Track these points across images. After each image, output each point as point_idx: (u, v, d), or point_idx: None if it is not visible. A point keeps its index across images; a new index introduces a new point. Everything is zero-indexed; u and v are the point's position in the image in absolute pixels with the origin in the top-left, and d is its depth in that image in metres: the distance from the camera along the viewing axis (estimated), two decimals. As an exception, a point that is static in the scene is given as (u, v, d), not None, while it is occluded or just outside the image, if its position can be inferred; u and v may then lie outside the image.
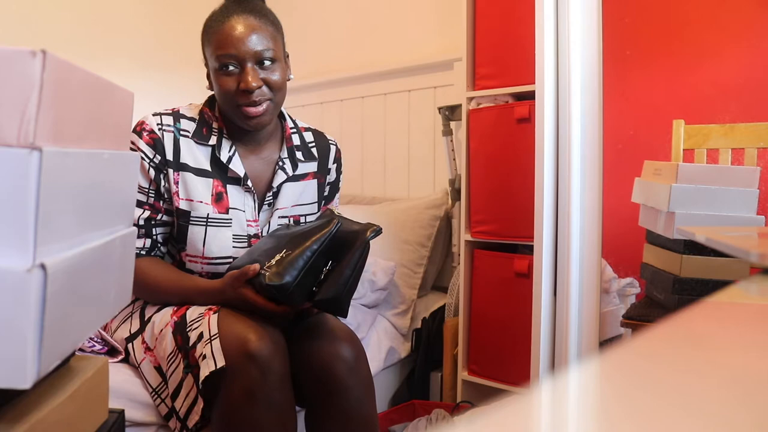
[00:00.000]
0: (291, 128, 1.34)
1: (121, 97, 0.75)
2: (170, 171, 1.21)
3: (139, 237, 1.21)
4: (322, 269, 1.13)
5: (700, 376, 0.32)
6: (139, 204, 1.21)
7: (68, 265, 0.57)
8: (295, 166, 1.31)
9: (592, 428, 0.26)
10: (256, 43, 1.17)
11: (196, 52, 1.29)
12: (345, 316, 1.15)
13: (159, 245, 1.26)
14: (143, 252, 1.23)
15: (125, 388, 1.15)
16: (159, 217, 1.23)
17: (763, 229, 1.22)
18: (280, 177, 1.29)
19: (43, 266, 0.52)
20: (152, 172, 1.20)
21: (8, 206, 0.52)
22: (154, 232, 1.23)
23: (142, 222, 1.21)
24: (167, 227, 1.25)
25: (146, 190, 1.21)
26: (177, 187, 1.21)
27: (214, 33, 1.18)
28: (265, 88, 1.18)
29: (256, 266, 1.09)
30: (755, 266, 0.76)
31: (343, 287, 1.10)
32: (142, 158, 1.19)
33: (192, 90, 1.40)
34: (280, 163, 1.29)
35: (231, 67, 1.16)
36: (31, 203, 0.52)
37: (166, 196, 1.22)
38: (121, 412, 0.85)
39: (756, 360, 0.35)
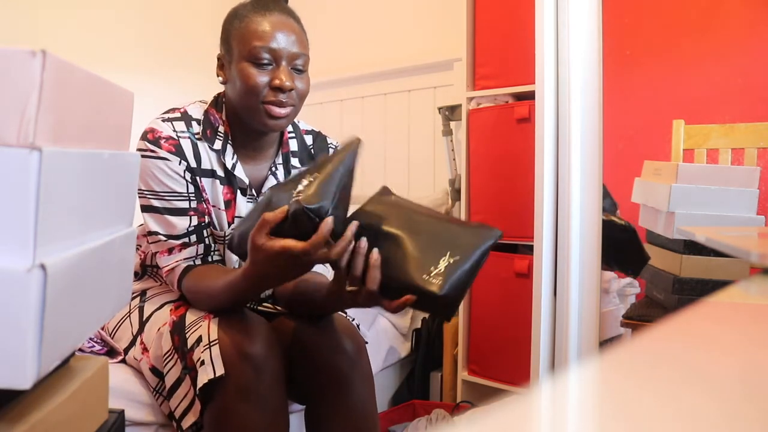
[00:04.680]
0: (289, 133, 1.29)
1: (121, 97, 0.75)
2: (197, 178, 1.15)
3: (190, 245, 1.13)
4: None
5: (699, 377, 0.32)
6: (182, 212, 1.12)
7: (68, 265, 0.57)
8: (288, 173, 1.26)
9: (591, 428, 0.26)
10: (297, 46, 1.11)
11: (195, 52, 1.29)
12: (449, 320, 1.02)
13: (213, 248, 1.18)
14: (198, 261, 1.14)
15: (125, 388, 1.15)
16: (207, 221, 1.16)
17: (763, 229, 1.22)
18: (270, 182, 1.24)
19: (43, 266, 0.52)
20: (188, 175, 1.13)
21: (8, 206, 0.52)
22: (205, 234, 1.15)
23: (192, 230, 1.13)
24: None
25: (186, 196, 1.13)
26: (206, 194, 1.16)
27: (251, 22, 1.10)
28: (293, 93, 1.12)
29: (283, 208, 0.90)
30: (755, 266, 0.76)
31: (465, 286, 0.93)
32: (169, 165, 1.11)
33: (192, 90, 1.39)
34: (273, 169, 1.24)
35: (265, 62, 1.09)
36: (31, 203, 0.52)
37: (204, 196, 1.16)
38: (121, 412, 0.85)
39: (756, 360, 0.35)
